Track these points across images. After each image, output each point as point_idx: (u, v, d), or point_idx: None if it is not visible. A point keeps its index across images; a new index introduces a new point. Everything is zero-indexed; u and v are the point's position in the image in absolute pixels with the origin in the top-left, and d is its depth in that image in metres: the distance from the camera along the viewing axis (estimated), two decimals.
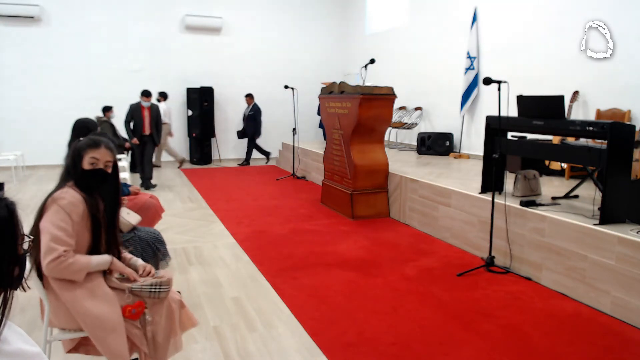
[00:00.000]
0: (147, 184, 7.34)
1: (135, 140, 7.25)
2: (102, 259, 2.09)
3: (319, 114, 10.47)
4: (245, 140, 10.40)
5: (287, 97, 9.86)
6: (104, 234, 2.16)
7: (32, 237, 1.46)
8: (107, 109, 8.50)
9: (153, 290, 2.11)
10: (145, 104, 7.30)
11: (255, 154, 10.59)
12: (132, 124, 7.36)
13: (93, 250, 2.11)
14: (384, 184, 5.82)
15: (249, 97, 10.07)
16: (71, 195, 2.04)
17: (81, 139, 2.20)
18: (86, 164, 2.12)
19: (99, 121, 8.32)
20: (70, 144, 3.90)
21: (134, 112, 7.29)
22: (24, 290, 1.32)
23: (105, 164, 2.16)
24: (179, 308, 2.22)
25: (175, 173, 9.02)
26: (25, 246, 1.23)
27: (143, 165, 7.39)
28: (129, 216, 3.09)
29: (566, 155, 4.09)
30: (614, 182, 3.49)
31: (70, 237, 1.99)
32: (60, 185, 2.11)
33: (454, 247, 4.64)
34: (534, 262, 3.81)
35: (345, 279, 3.79)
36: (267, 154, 10.48)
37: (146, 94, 7.33)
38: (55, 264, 1.94)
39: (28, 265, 1.98)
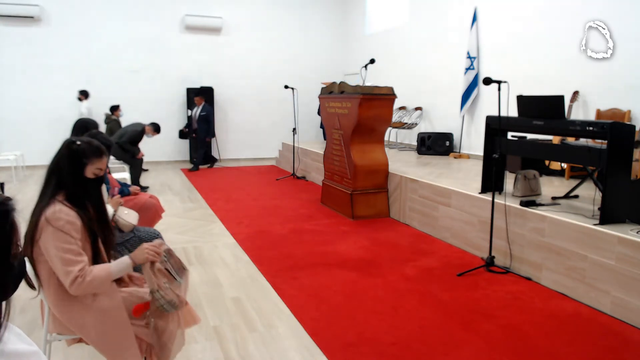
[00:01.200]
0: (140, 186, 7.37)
1: (141, 154, 7.22)
2: (123, 264, 1.98)
3: (319, 113, 10.47)
4: (184, 141, 10.17)
5: (287, 97, 9.86)
6: (100, 241, 2.10)
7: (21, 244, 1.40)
8: (115, 108, 8.52)
9: (167, 307, 2.01)
10: (149, 137, 7.35)
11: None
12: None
13: (95, 261, 2.04)
14: (384, 184, 5.82)
15: (199, 97, 9.28)
16: (65, 214, 1.90)
17: (77, 142, 2.03)
18: (89, 174, 2.01)
19: (109, 119, 8.34)
20: None
21: (138, 139, 7.20)
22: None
23: (103, 170, 2.09)
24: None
25: (175, 173, 9.02)
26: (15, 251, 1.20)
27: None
28: (127, 216, 3.08)
29: (566, 155, 4.09)
30: (614, 182, 3.49)
31: (79, 254, 1.90)
32: (49, 198, 1.95)
33: (454, 247, 4.64)
34: (534, 262, 3.81)
35: (345, 279, 3.79)
36: (213, 160, 9.88)
37: (158, 130, 7.32)
38: (75, 285, 1.87)
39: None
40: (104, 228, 2.12)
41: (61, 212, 1.90)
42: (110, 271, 1.96)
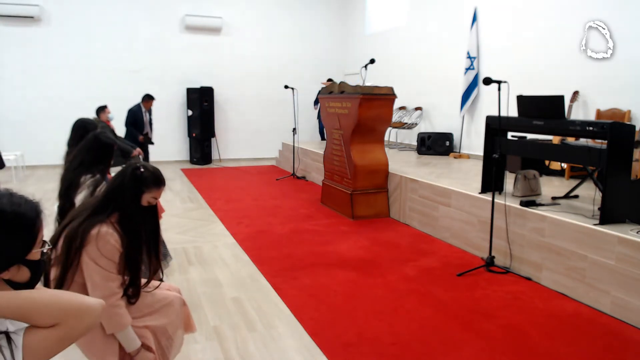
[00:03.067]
0: None
1: (137, 152, 7.24)
2: (130, 341, 1.95)
3: (316, 104, 10.39)
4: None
5: (287, 97, 9.85)
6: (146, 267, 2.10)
7: (51, 246, 1.42)
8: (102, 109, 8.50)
9: None
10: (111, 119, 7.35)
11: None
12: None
13: (132, 283, 2.03)
14: (384, 184, 5.82)
15: (150, 98, 7.86)
16: (115, 240, 1.92)
17: (142, 169, 2.01)
18: (144, 201, 2.01)
19: (97, 121, 8.31)
20: (70, 143, 3.89)
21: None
22: None
23: (157, 199, 2.09)
24: (181, 307, 2.24)
25: (175, 173, 9.02)
26: (40, 255, 1.23)
27: None
28: None
29: (566, 155, 4.09)
30: (614, 182, 3.49)
31: (118, 273, 1.92)
32: (105, 217, 1.95)
33: (454, 247, 4.64)
34: (534, 262, 3.81)
35: (345, 279, 3.79)
36: None
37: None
38: (110, 302, 1.85)
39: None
40: (151, 256, 2.11)
41: (112, 236, 1.91)
42: (127, 326, 1.93)
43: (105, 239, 1.89)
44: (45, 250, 1.24)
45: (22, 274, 1.19)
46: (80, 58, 9.42)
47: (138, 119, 7.63)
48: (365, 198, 5.71)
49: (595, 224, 3.41)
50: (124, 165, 2.05)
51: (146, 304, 2.09)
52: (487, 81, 3.81)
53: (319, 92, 9.53)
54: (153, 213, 2.09)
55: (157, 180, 2.02)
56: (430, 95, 8.42)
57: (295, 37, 11.04)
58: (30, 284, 1.21)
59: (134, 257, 2.00)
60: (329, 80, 9.61)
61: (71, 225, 1.95)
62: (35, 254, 1.20)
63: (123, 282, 1.97)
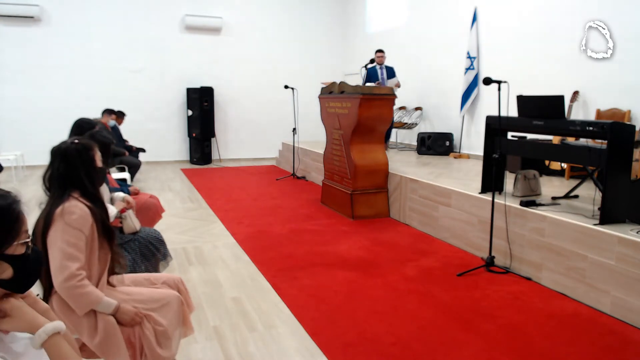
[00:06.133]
0: None
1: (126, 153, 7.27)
2: (110, 301, 1.94)
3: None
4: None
5: (287, 97, 9.85)
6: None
7: (31, 238, 1.36)
8: (114, 112, 8.49)
9: None
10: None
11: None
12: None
13: (112, 261, 2.05)
14: (384, 184, 5.82)
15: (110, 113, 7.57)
16: (80, 209, 1.93)
17: (75, 141, 2.09)
18: (99, 162, 2.12)
19: (96, 121, 8.27)
20: None
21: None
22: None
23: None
24: (180, 306, 2.24)
25: (175, 173, 9.02)
26: (25, 249, 1.18)
27: None
28: (133, 221, 3.08)
29: (566, 155, 4.09)
30: (614, 182, 3.49)
31: (81, 252, 1.89)
32: (62, 196, 1.96)
33: (454, 247, 4.64)
34: (534, 262, 3.81)
35: (345, 279, 3.79)
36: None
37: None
38: (68, 284, 1.83)
39: None
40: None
41: (76, 206, 1.94)
42: (101, 301, 1.91)
43: (70, 210, 1.91)
44: (29, 244, 1.16)
45: (3, 270, 1.11)
46: (80, 58, 9.42)
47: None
48: (365, 198, 5.70)
49: (595, 224, 3.41)
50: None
51: (145, 304, 2.09)
52: (487, 81, 3.81)
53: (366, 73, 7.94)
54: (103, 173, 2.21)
55: (89, 140, 2.15)
56: (430, 95, 8.41)
57: (295, 37, 11.04)
58: (15, 283, 1.14)
59: (106, 222, 2.04)
60: (379, 52, 8.06)
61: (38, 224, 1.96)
62: (16, 248, 1.14)
63: (85, 266, 1.92)
